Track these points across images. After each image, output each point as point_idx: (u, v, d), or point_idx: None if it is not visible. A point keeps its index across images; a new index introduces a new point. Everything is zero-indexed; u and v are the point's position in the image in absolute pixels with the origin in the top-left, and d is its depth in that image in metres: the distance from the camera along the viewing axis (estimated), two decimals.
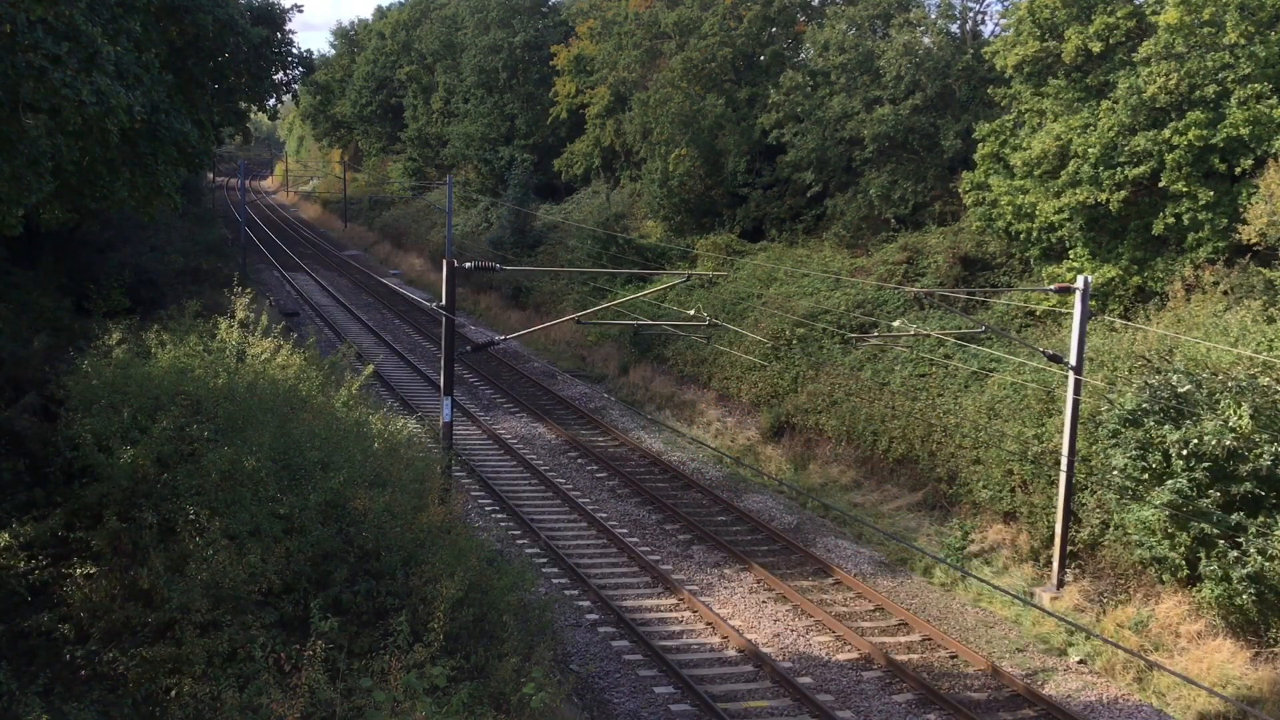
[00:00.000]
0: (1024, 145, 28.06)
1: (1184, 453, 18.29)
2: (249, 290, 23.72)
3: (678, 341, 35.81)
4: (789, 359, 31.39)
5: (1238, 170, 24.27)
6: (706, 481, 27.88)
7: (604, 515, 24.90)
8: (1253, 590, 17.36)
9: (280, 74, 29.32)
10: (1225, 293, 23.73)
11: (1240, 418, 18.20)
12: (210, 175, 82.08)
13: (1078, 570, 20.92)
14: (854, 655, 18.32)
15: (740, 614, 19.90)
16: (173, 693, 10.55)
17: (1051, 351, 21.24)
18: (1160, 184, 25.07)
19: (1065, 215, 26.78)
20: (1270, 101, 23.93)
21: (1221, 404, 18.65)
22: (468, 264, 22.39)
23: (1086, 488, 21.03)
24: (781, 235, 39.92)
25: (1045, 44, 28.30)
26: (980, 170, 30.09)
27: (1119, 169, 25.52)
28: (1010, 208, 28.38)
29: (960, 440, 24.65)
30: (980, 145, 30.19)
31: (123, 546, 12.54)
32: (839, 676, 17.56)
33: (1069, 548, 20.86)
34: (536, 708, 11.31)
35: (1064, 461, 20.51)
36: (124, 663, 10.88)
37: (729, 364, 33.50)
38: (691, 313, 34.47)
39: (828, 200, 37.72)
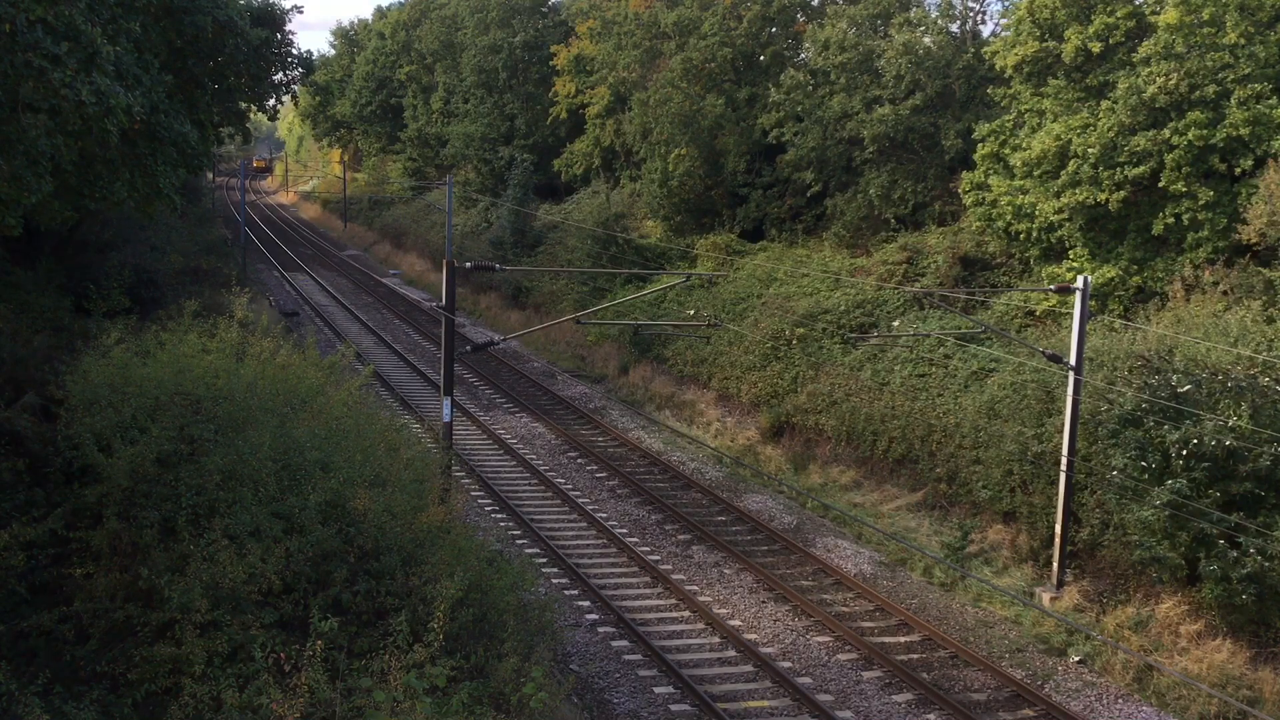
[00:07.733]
0: (1024, 145, 28.05)
1: (1184, 453, 18.29)
2: (248, 290, 23.76)
3: (678, 341, 35.80)
4: (789, 359, 31.39)
5: (1238, 170, 24.28)
6: (706, 481, 27.87)
7: (604, 515, 24.90)
8: (1252, 590, 17.37)
9: (280, 74, 29.37)
10: (1225, 293, 23.74)
11: (1240, 418, 18.21)
12: (210, 175, 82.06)
13: (1078, 570, 20.93)
14: (854, 655, 18.32)
15: (740, 614, 19.90)
16: (173, 693, 10.55)
17: (1051, 351, 21.24)
18: (1160, 184, 25.07)
19: (1065, 215, 26.78)
20: (1270, 101, 23.95)
21: (1221, 404, 18.66)
22: (467, 264, 22.43)
23: (1086, 488, 21.04)
24: (781, 235, 39.92)
25: (1045, 44, 28.29)
26: (980, 170, 30.07)
27: (1119, 169, 25.52)
28: (1010, 208, 28.37)
29: (960, 440, 24.64)
30: (980, 145, 30.17)
31: (123, 546, 12.53)
32: (839, 676, 17.56)
33: (1069, 548, 20.86)
34: (536, 708, 11.32)
35: (1064, 461, 20.51)
36: (124, 663, 10.88)
37: (729, 364, 33.50)
38: (691, 313, 34.60)
39: (828, 200, 37.72)
